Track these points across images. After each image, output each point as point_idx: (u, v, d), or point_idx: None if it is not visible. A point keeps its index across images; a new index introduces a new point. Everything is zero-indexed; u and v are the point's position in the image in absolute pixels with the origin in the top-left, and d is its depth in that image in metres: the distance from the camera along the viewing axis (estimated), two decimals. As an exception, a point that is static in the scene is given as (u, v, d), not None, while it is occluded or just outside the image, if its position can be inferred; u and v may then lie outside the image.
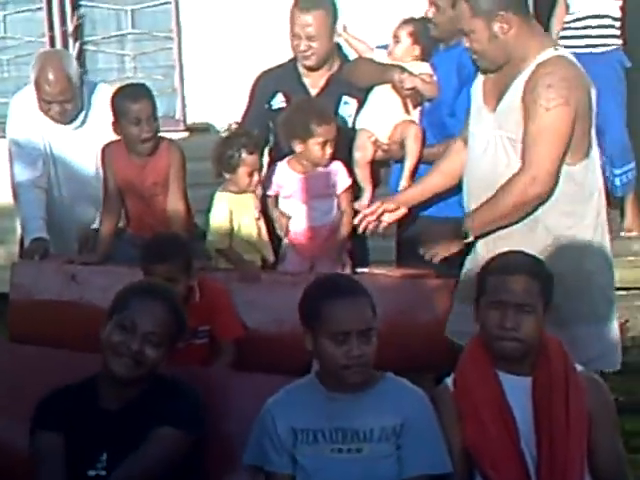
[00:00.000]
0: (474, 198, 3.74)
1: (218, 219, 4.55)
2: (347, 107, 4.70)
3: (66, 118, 4.89)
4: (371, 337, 2.99)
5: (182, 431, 3.08)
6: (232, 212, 4.54)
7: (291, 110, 4.60)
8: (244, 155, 4.51)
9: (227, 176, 4.58)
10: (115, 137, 4.65)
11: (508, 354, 3.11)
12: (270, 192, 4.67)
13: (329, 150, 4.52)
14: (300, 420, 3.04)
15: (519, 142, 3.60)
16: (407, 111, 4.51)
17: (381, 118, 4.54)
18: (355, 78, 4.62)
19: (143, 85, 4.86)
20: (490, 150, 3.71)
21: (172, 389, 3.15)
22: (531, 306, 3.10)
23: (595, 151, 3.70)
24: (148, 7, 6.63)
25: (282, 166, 4.68)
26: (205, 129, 6.36)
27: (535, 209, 3.60)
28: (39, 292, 4.48)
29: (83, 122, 4.94)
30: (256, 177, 4.56)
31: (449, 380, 3.20)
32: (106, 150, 4.68)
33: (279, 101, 4.75)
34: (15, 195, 5.06)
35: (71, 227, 5.07)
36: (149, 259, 3.95)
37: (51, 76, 4.77)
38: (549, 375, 3.10)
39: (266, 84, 4.78)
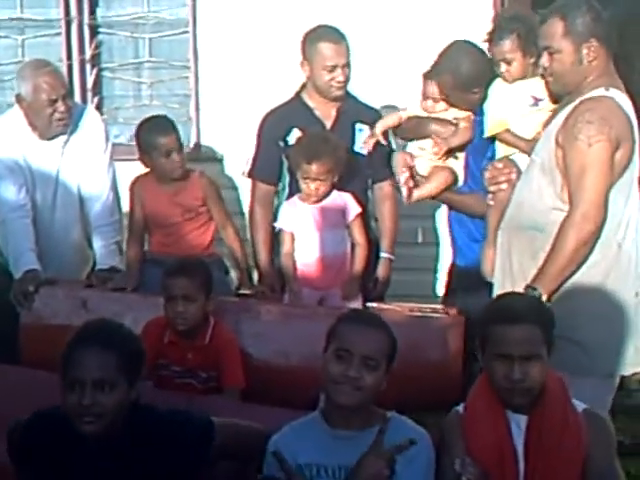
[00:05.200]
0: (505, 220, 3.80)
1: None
2: (362, 134, 4.76)
3: (68, 120, 4.74)
4: (374, 367, 3.00)
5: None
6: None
7: (294, 144, 4.68)
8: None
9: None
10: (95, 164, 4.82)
11: (517, 404, 3.10)
12: (288, 229, 4.69)
13: (322, 188, 4.57)
14: (304, 455, 3.05)
15: (547, 170, 3.63)
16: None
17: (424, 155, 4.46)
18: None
19: (165, 117, 4.95)
20: (526, 173, 3.79)
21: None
22: (536, 355, 3.05)
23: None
24: (166, 36, 6.68)
25: (294, 201, 4.72)
26: (220, 159, 6.39)
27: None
28: (49, 317, 4.48)
29: (67, 142, 4.82)
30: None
31: (461, 408, 3.21)
32: (135, 184, 4.80)
33: (296, 136, 4.75)
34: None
35: (68, 251, 4.95)
36: (169, 273, 4.06)
37: (50, 71, 4.73)
38: (542, 417, 3.08)
39: (275, 123, 4.81)
